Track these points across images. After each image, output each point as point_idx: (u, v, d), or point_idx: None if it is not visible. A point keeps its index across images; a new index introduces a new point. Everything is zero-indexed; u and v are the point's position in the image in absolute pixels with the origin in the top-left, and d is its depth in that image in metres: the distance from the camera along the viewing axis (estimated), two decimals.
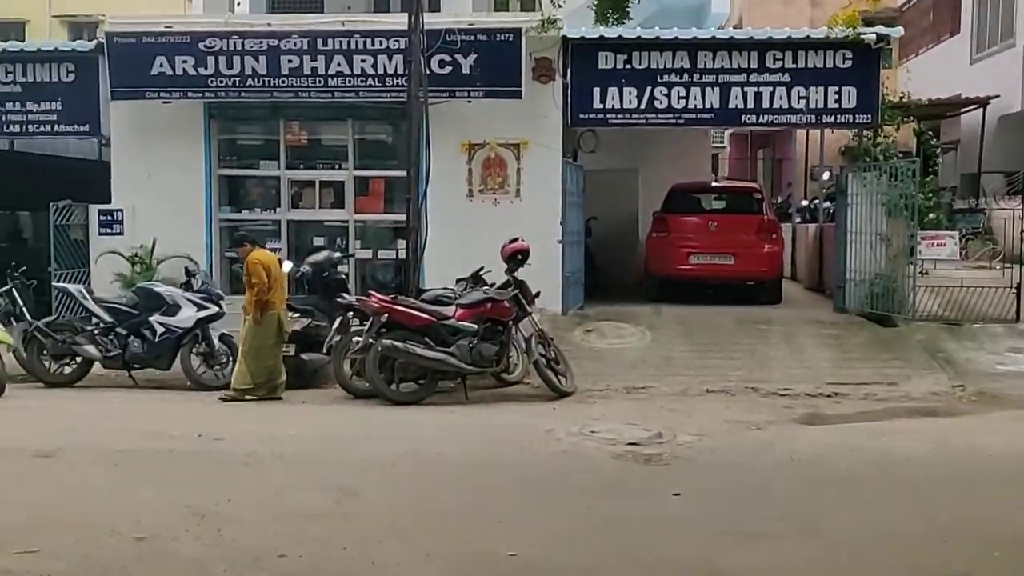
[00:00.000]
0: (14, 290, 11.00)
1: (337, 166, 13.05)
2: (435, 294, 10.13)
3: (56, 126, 13.12)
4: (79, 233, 13.23)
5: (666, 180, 15.16)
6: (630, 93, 12.51)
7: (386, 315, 9.44)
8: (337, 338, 10.06)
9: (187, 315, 10.35)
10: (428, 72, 11.50)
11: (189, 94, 12.44)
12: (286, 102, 12.62)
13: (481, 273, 10.40)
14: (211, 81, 12.29)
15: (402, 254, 11.88)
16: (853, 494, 6.11)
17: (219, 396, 9.60)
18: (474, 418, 8.68)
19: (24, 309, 10.94)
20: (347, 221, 13.02)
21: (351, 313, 10.11)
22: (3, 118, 13.11)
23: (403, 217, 11.35)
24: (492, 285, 10.20)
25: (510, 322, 9.90)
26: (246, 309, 9.71)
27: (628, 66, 12.49)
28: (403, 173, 11.38)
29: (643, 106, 12.52)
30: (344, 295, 10.36)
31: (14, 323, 10.95)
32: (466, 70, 12.03)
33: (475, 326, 9.60)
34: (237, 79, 12.25)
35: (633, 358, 11.32)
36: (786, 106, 12.31)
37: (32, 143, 17.11)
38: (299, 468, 6.69)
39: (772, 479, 6.51)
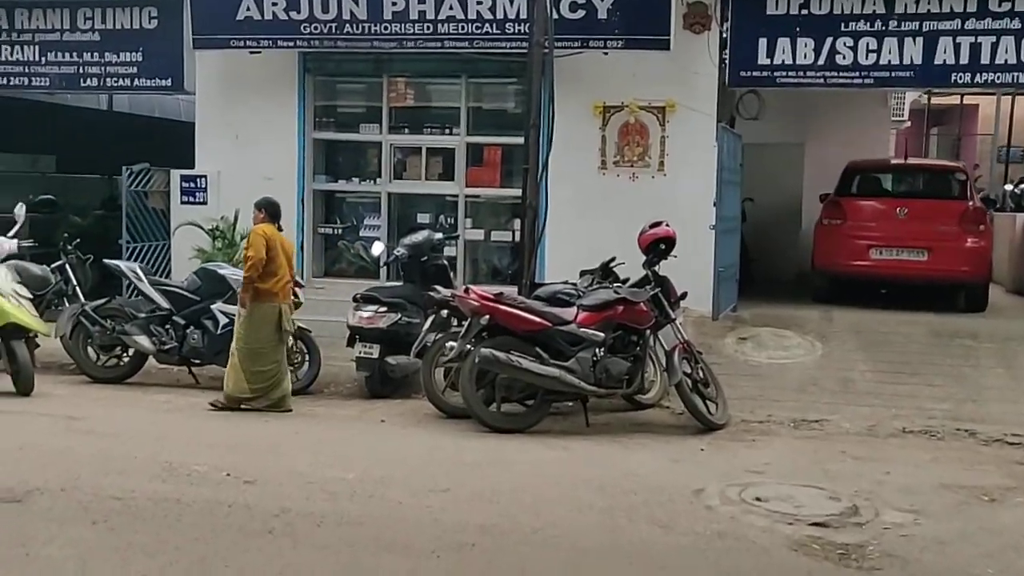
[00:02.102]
0: (67, 266, 9.46)
1: (447, 130, 11.07)
2: (552, 290, 8.00)
3: (136, 80, 11.63)
4: (159, 201, 11.76)
5: (836, 157, 12.69)
6: (805, 45, 10.08)
7: (487, 316, 7.40)
8: (429, 340, 8.12)
9: None
10: (556, 17, 9.41)
11: (279, 42, 10.68)
12: (389, 53, 10.72)
13: (612, 265, 8.24)
14: (304, 27, 10.49)
15: (519, 236, 9.86)
16: None
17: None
18: (594, 462, 6.55)
19: (78, 288, 9.40)
20: (457, 195, 11.05)
21: (446, 311, 8.12)
22: (81, 70, 11.68)
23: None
24: (625, 281, 8.04)
25: (647, 330, 7.74)
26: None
27: (804, 12, 10.06)
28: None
29: (821, 61, 10.08)
30: (439, 288, 8.35)
31: (67, 304, 9.47)
32: (602, 15, 9.86)
33: (602, 334, 7.47)
34: (334, 25, 10.41)
35: (801, 378, 8.99)
36: (1013, 61, 9.61)
37: (140, 103, 16.07)
38: (339, 544, 4.74)
39: None
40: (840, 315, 10.77)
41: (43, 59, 11.73)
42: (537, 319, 7.40)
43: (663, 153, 10.29)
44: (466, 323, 7.58)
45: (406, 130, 11.28)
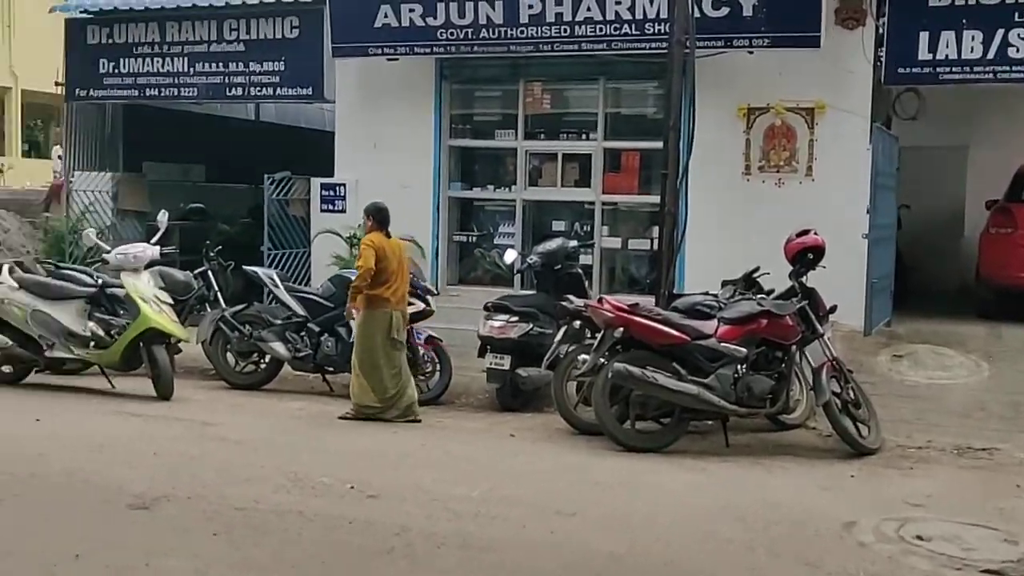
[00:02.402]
0: (209, 272, 9.66)
1: (584, 135, 10.80)
2: (692, 302, 7.58)
3: (279, 88, 11.83)
4: (299, 209, 11.93)
5: (1004, 160, 11.69)
6: (972, 38, 9.31)
7: (622, 328, 7.06)
8: (561, 352, 7.83)
9: None
10: (698, 15, 9.00)
11: (416, 49, 10.66)
12: (526, 57, 10.51)
13: (756, 276, 7.75)
14: (440, 33, 10.44)
15: (657, 245, 9.46)
16: None
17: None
18: (733, 487, 6.12)
19: (219, 294, 9.59)
20: (593, 202, 10.74)
21: (578, 322, 7.82)
22: (227, 80, 11.98)
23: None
24: (770, 293, 7.56)
25: (793, 346, 7.23)
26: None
27: (972, 2, 9.31)
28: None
29: (991, 55, 9.29)
30: (571, 297, 8.04)
31: (208, 310, 9.66)
32: (748, 12, 9.40)
33: (744, 349, 7.02)
34: (470, 30, 10.31)
35: (964, 400, 8.27)
36: None
37: (285, 112, 16.43)
38: (457, 569, 4.51)
39: None
40: (1010, 332, 9.90)
41: (191, 70, 12.10)
42: (675, 332, 7.02)
43: (811, 157, 9.71)
44: (599, 335, 7.26)
45: (542, 136, 11.06)
